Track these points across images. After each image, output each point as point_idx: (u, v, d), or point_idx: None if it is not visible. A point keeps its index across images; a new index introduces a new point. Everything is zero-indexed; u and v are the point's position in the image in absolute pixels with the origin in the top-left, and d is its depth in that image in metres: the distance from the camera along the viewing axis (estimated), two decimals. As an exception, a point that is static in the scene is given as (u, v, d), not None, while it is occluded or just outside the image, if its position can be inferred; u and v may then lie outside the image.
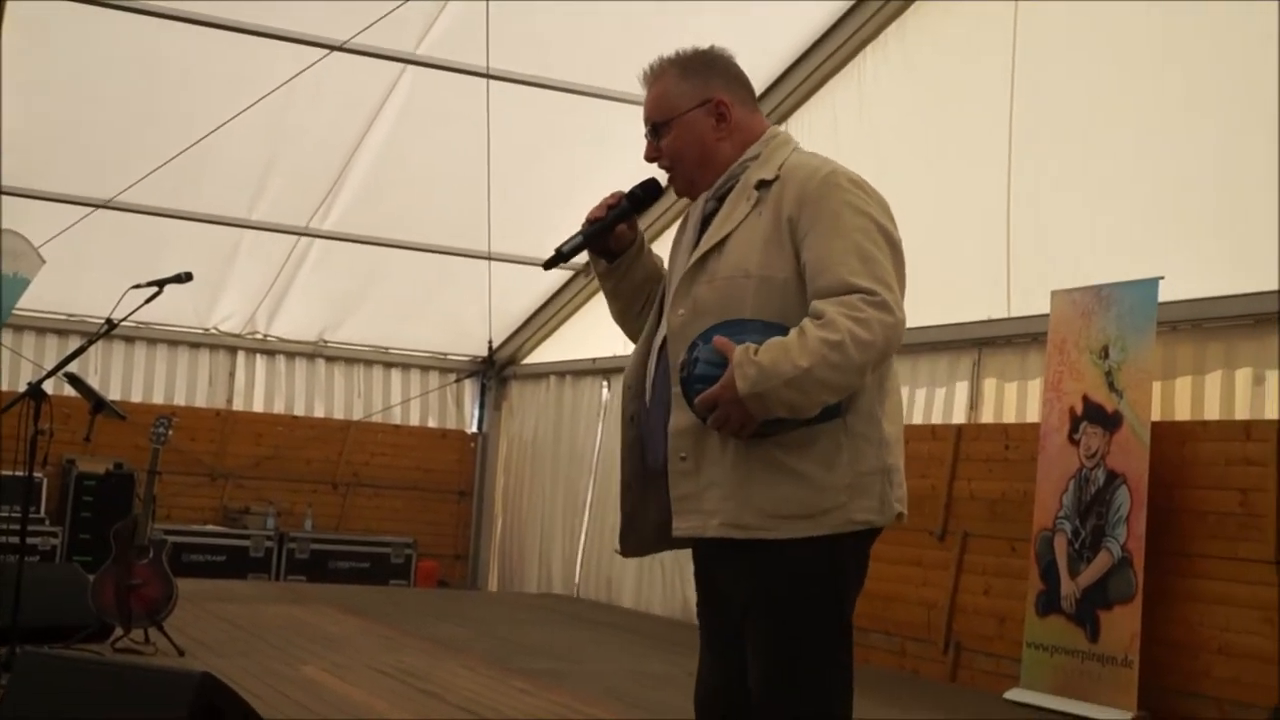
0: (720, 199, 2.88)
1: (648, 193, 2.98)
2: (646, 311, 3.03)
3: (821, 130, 9.71)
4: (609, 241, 3.00)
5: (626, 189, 3.00)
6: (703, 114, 2.88)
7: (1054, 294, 7.44)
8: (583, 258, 3.12)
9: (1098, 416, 7.07)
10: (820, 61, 9.49)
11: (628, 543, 2.95)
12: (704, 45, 2.96)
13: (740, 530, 2.69)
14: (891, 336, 2.65)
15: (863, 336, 2.59)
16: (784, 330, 2.65)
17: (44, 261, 9.18)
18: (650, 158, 2.96)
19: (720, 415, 2.62)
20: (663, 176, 3.00)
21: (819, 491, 2.67)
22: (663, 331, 2.86)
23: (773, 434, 2.66)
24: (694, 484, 2.73)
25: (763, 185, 2.80)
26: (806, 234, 2.71)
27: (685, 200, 3.03)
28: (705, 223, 2.88)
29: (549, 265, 3.02)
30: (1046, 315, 7.52)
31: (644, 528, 2.90)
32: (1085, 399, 7.15)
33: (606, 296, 3.11)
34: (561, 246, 2.96)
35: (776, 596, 2.72)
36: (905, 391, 8.86)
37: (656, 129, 2.92)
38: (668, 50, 2.98)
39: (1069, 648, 7.00)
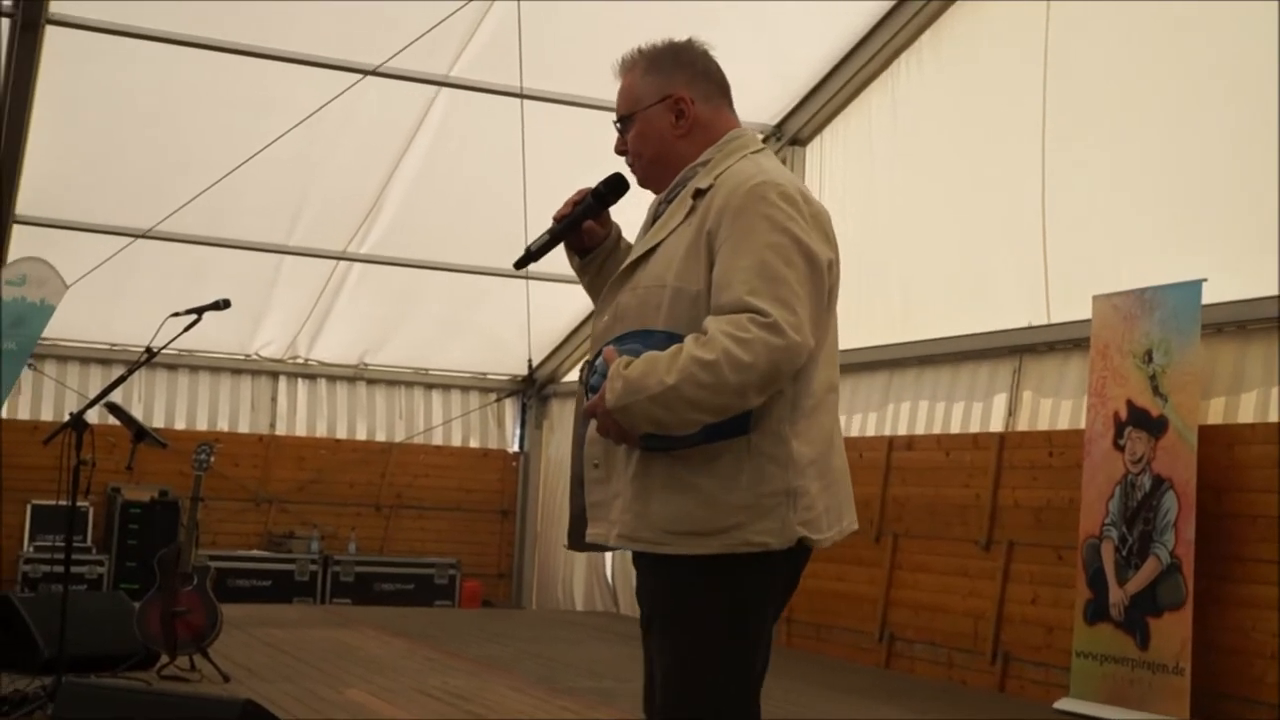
0: (668, 202, 2.86)
1: (612, 188, 2.97)
2: None
3: (856, 139, 9.68)
4: (580, 238, 3.00)
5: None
6: (663, 110, 2.85)
7: (1095, 299, 7.38)
8: None
9: (1143, 421, 6.99)
10: (855, 71, 9.46)
11: (574, 538, 2.92)
12: (680, 39, 2.93)
13: (633, 543, 2.68)
14: (778, 359, 2.54)
15: (740, 358, 2.51)
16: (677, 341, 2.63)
17: (66, 286, 9.24)
18: (619, 151, 2.96)
19: (600, 426, 2.64)
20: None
21: (715, 510, 2.62)
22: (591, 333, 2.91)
23: (672, 449, 2.63)
24: (604, 492, 2.74)
25: (699, 194, 2.76)
26: (720, 247, 2.66)
27: None
28: (651, 225, 2.89)
29: (519, 265, 3.03)
30: (1087, 321, 7.45)
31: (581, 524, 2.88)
32: (1130, 404, 7.08)
33: (586, 292, 3.09)
34: (530, 246, 2.98)
35: (666, 614, 2.72)
36: (944, 403, 8.81)
37: (622, 122, 2.91)
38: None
39: (1119, 656, 6.92)
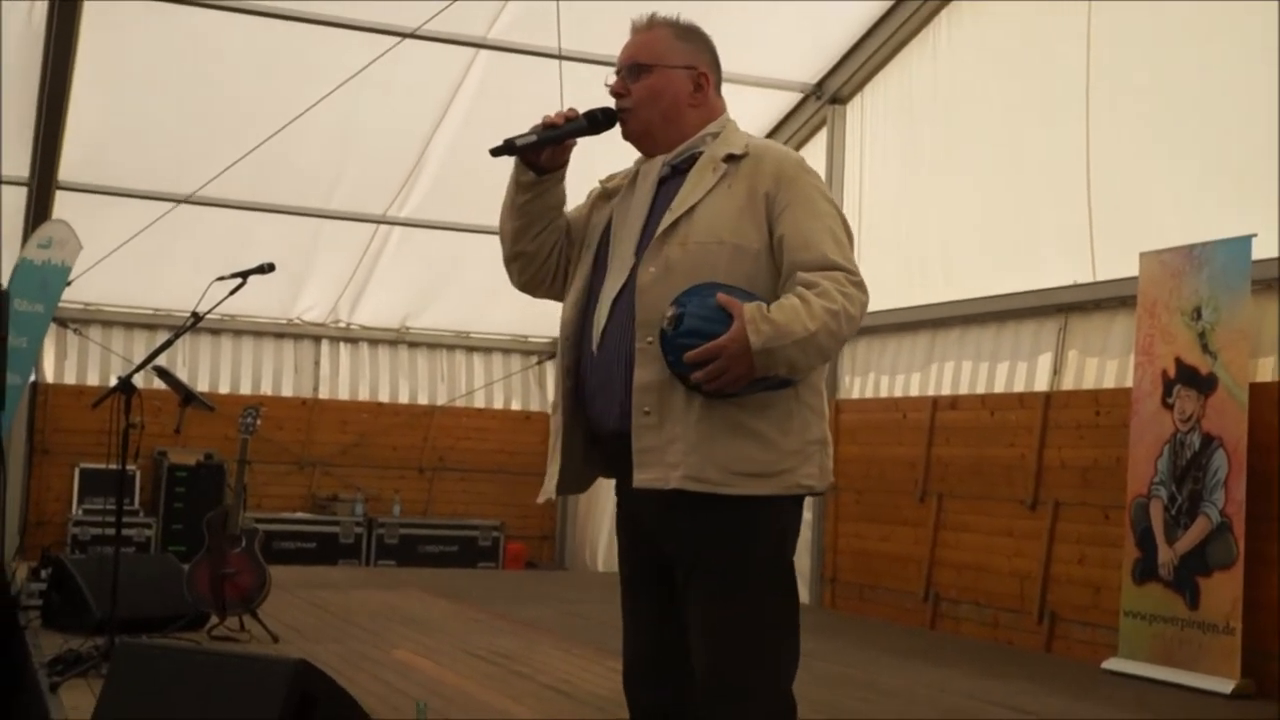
0: (676, 168, 2.98)
1: (607, 118, 3.03)
2: (544, 235, 3.09)
3: (897, 97, 9.60)
4: (547, 155, 3.02)
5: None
6: (685, 76, 3.01)
7: (1142, 256, 7.30)
8: None
9: (1191, 379, 6.92)
10: (895, 28, 9.37)
11: (556, 487, 3.00)
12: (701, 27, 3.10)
13: (701, 484, 2.77)
14: (862, 315, 2.83)
15: (850, 311, 2.77)
16: (753, 297, 2.76)
17: (81, 247, 9.31)
18: (616, 92, 3.03)
19: (718, 367, 2.70)
20: None
21: (775, 453, 2.81)
22: (615, 286, 2.91)
23: (736, 396, 2.76)
24: (657, 438, 2.81)
25: (731, 159, 2.93)
26: (784, 210, 2.85)
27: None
28: (659, 187, 2.98)
29: (496, 153, 3.03)
30: (1134, 278, 7.38)
31: (568, 473, 2.98)
32: (1178, 362, 7.01)
33: (511, 211, 3.10)
34: (514, 139, 3.00)
35: (725, 555, 2.81)
36: (988, 362, 8.77)
37: (636, 69, 3.00)
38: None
39: (1168, 615, 6.88)
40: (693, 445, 2.77)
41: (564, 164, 3.07)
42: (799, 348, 2.70)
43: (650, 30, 3.04)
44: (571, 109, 3.04)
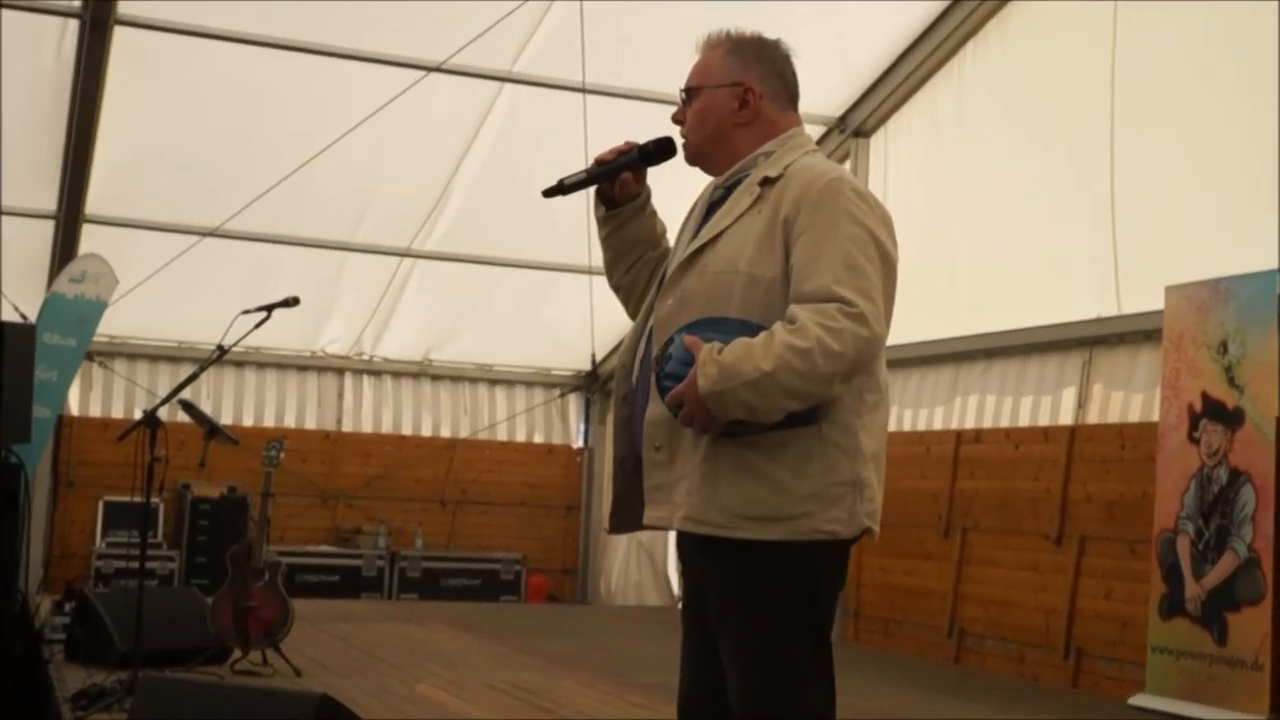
0: (729, 190, 2.90)
1: (660, 149, 3.00)
2: (637, 269, 3.07)
3: (921, 130, 9.60)
4: (612, 188, 3.03)
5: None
6: (729, 94, 2.90)
7: (1168, 290, 7.27)
8: None
9: (1218, 413, 6.88)
10: (920, 61, 9.38)
11: (617, 521, 2.95)
12: (770, 37, 2.99)
13: (701, 526, 2.70)
14: (863, 349, 2.63)
15: (832, 347, 2.57)
16: (762, 330, 2.64)
17: (118, 281, 9.36)
18: (675, 119, 3.00)
19: (685, 413, 2.64)
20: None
21: (786, 497, 2.66)
22: (653, 318, 2.89)
23: (744, 434, 2.66)
24: (666, 475, 2.75)
25: (766, 183, 2.81)
26: (800, 236, 2.70)
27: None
28: (710, 210, 2.91)
29: (548, 194, 3.03)
30: (1159, 312, 7.35)
31: (634, 507, 2.89)
32: (1204, 396, 6.97)
33: (601, 243, 3.12)
34: (564, 179, 3.01)
35: (744, 600, 2.72)
36: (1012, 396, 8.73)
37: (688, 93, 2.96)
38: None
39: (1195, 651, 6.82)
40: (696, 486, 2.69)
41: (634, 197, 3.04)
42: (752, 390, 2.55)
43: (707, 50, 2.96)
44: (628, 142, 3.02)
